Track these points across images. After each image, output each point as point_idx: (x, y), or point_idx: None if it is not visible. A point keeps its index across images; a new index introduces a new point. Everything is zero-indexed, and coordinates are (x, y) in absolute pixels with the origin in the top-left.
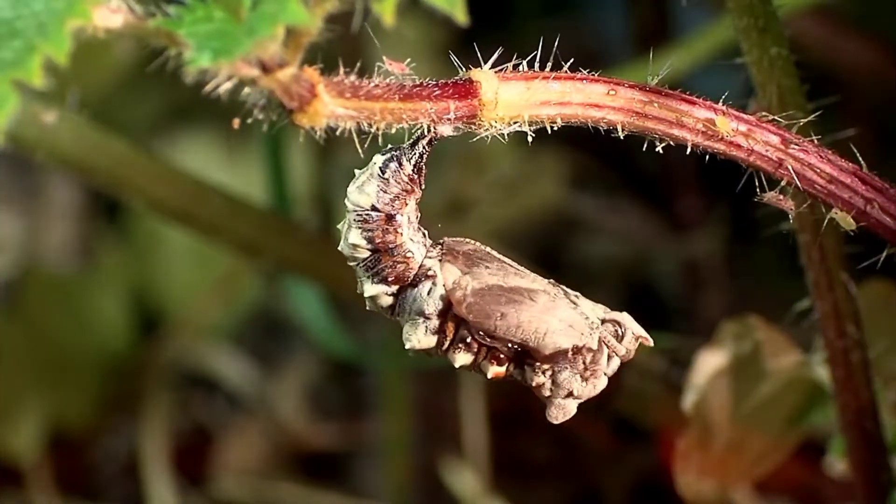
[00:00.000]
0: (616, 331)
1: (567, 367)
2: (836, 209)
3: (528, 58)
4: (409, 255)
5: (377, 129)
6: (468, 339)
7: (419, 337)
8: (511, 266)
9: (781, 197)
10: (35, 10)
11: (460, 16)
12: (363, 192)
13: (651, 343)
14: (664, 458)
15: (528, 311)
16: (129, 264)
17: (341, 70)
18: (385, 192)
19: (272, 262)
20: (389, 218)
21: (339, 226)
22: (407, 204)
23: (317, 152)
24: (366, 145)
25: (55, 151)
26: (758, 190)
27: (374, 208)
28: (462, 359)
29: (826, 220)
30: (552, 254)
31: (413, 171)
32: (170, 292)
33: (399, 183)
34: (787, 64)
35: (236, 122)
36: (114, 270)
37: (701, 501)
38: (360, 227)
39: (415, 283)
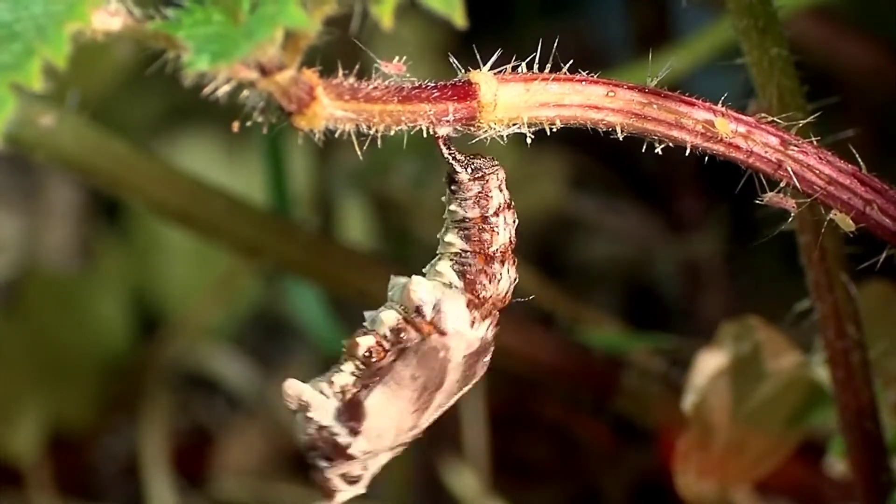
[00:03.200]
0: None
1: None
2: (836, 210)
3: (528, 59)
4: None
5: (376, 131)
6: None
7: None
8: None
9: (782, 197)
10: (34, 14)
11: (458, 18)
12: (452, 212)
13: None
14: (664, 459)
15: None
16: (128, 265)
17: (340, 72)
18: (466, 200)
19: (272, 262)
20: (484, 219)
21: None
22: (491, 198)
23: (317, 153)
24: (365, 147)
25: (55, 152)
26: (758, 191)
27: (465, 219)
28: None
29: (825, 222)
30: (552, 255)
31: (469, 173)
32: (170, 293)
33: (471, 188)
34: (787, 65)
35: (236, 126)
36: (113, 271)
37: (701, 502)
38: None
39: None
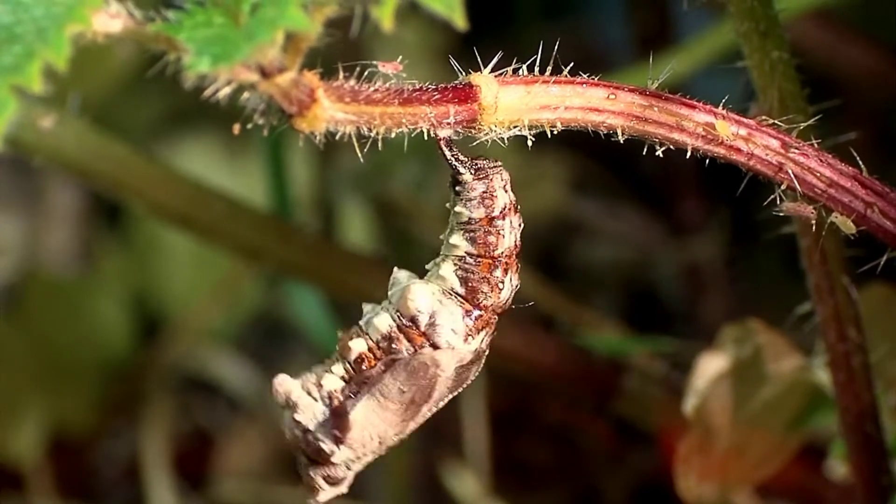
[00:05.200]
0: None
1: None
2: (837, 213)
3: (528, 62)
4: (503, 232)
5: (377, 133)
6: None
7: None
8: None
9: (799, 204)
10: (35, 16)
11: (459, 21)
12: (457, 212)
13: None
14: (665, 461)
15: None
16: (129, 268)
17: (341, 75)
18: (471, 201)
19: (272, 265)
20: (490, 220)
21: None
22: (496, 197)
23: (317, 156)
24: (366, 149)
25: (56, 155)
26: (758, 194)
27: (470, 220)
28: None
29: (826, 224)
30: (553, 258)
31: (472, 171)
32: (170, 296)
33: (475, 190)
34: (788, 68)
35: (237, 128)
36: (114, 274)
37: None
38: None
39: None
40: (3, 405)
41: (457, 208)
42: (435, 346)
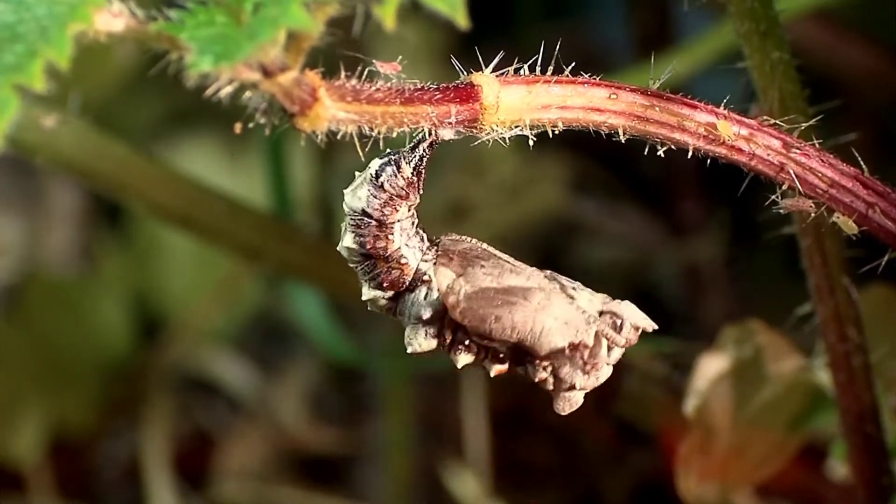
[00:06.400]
0: (614, 322)
1: (566, 363)
2: (838, 213)
3: (530, 62)
4: (403, 261)
5: (378, 132)
6: (467, 342)
7: (420, 341)
8: (507, 262)
9: (799, 200)
10: (37, 15)
11: (462, 20)
12: (356, 195)
13: (652, 329)
14: (666, 462)
15: (521, 312)
16: (130, 268)
17: (342, 74)
18: (376, 197)
19: (273, 266)
20: (381, 224)
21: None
22: (398, 210)
23: (318, 156)
24: (367, 149)
25: (57, 155)
26: (759, 195)
27: (364, 213)
28: (464, 359)
29: (828, 225)
30: (553, 258)
31: (412, 174)
32: (171, 296)
33: (393, 188)
34: (789, 68)
35: (238, 127)
36: (115, 274)
37: None
38: (353, 232)
39: (412, 289)
40: (3, 405)
41: (361, 191)
42: (429, 280)
